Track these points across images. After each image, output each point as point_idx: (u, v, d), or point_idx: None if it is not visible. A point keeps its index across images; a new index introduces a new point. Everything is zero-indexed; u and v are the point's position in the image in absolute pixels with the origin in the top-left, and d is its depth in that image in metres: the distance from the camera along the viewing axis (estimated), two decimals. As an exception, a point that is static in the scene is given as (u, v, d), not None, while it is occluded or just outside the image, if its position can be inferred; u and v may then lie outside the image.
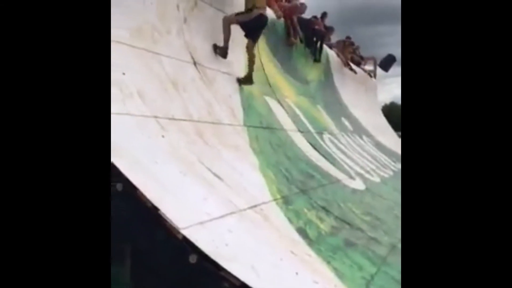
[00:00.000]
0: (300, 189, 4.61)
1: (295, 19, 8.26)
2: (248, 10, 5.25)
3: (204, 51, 5.21)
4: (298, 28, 8.38)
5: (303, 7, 8.87)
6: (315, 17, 9.81)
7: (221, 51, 5.41)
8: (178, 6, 4.74)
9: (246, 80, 5.56)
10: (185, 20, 4.94)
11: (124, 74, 3.40)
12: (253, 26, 5.32)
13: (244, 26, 5.34)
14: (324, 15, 10.53)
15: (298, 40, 8.47)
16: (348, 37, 12.54)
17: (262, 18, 5.34)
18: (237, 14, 5.37)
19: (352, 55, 12.72)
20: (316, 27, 9.34)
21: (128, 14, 3.79)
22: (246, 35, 5.40)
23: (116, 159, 2.56)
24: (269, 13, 7.42)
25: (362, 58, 14.03)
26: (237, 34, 5.98)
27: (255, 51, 5.66)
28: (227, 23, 5.33)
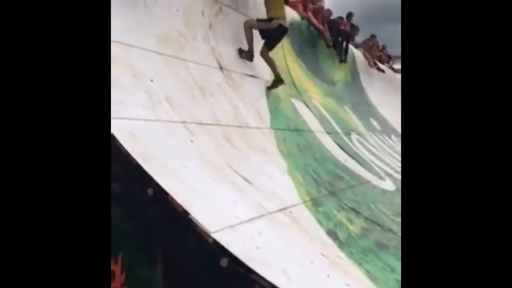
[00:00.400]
0: (329, 191, 4.57)
1: (320, 20, 8.23)
2: (268, 19, 5.32)
3: (229, 55, 5.25)
4: (325, 29, 8.34)
5: (328, 12, 8.85)
6: (340, 17, 9.73)
7: (247, 55, 5.45)
8: (203, 12, 4.79)
9: (276, 83, 5.58)
10: (210, 26, 4.99)
11: (152, 81, 3.47)
12: (272, 36, 5.41)
13: (263, 33, 5.40)
14: (350, 15, 10.42)
15: (329, 39, 8.41)
16: (373, 36, 12.36)
17: (282, 29, 5.42)
18: (258, 20, 5.41)
19: (380, 53, 12.54)
20: (342, 27, 9.25)
21: (156, 22, 3.86)
22: (264, 43, 5.45)
23: (146, 165, 2.61)
24: (294, 14, 7.44)
25: (389, 57, 13.81)
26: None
27: (271, 55, 5.64)
28: (248, 27, 5.37)
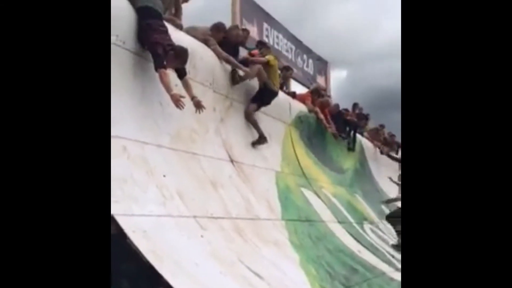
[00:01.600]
0: (344, 285, 4.42)
1: (327, 112, 8.52)
2: (265, 85, 5.79)
3: (240, 147, 5.39)
4: (332, 121, 8.60)
5: (335, 106, 9.20)
6: (346, 109, 10.06)
7: (260, 140, 5.70)
8: (214, 108, 5.01)
9: (260, 140, 5.76)
10: (221, 120, 5.19)
11: (164, 176, 3.55)
12: (268, 99, 5.96)
13: (263, 96, 5.89)
14: (355, 105, 10.80)
15: (333, 129, 8.63)
16: (381, 125, 12.64)
17: (275, 95, 6.05)
18: (257, 102, 5.79)
19: (388, 141, 12.70)
20: (348, 118, 9.54)
21: (169, 120, 4.04)
22: (253, 102, 5.80)
23: (156, 262, 2.60)
24: (302, 107, 7.74)
25: (398, 145, 13.99)
26: (272, 129, 6.21)
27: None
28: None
